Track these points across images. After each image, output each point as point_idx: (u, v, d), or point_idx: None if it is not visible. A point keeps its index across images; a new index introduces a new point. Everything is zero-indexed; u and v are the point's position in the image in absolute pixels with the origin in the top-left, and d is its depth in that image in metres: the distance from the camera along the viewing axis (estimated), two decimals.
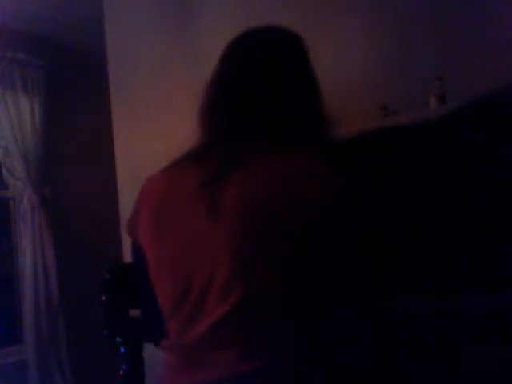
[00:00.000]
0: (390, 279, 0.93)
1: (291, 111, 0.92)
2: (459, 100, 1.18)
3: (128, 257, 2.49)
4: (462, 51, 1.63)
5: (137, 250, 0.95)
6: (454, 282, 0.90)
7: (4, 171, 3.24)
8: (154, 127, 2.49)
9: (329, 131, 0.96)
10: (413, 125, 1.15)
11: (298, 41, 1.01)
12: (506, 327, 0.85)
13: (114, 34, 2.67)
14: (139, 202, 0.95)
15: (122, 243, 2.59)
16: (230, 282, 0.79)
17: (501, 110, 1.01)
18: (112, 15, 2.69)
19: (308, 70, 0.99)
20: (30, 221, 3.23)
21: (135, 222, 0.95)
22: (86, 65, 3.66)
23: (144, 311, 1.39)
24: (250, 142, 0.88)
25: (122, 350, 1.46)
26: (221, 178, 0.82)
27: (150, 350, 1.51)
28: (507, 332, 0.85)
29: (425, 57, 1.69)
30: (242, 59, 0.98)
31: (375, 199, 0.97)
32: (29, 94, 3.30)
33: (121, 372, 1.46)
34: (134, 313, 1.49)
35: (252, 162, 0.84)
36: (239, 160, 0.84)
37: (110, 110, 2.70)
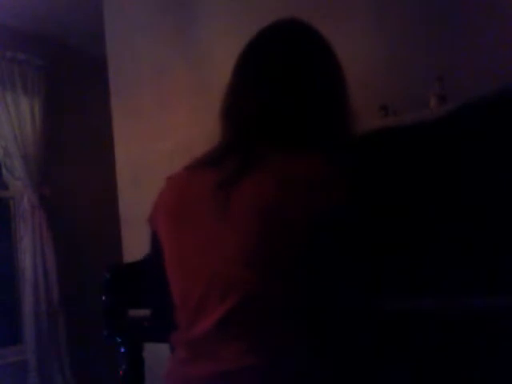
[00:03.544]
0: (391, 280, 0.93)
1: (301, 112, 0.92)
2: (459, 100, 1.18)
3: (128, 256, 2.50)
4: (462, 51, 1.63)
5: (155, 241, 0.98)
6: (455, 281, 0.90)
7: (4, 171, 3.25)
8: (154, 127, 2.49)
9: (347, 131, 0.96)
10: (413, 125, 1.15)
11: (307, 36, 0.98)
12: (506, 327, 0.85)
13: (114, 34, 2.67)
14: (160, 199, 1.00)
15: (122, 243, 2.60)
16: (234, 280, 0.82)
17: (501, 109, 1.01)
18: (112, 15, 2.69)
19: (322, 65, 0.97)
20: (30, 220, 3.24)
21: (155, 216, 1.00)
22: (85, 65, 3.66)
23: (153, 303, 1.37)
24: (263, 146, 0.90)
25: (122, 350, 1.46)
26: (233, 181, 0.86)
27: (150, 350, 1.51)
28: (507, 332, 0.85)
29: (425, 57, 1.69)
30: (249, 61, 0.99)
31: (375, 199, 0.97)
32: (29, 94, 3.30)
33: (121, 372, 1.46)
34: (134, 313, 1.49)
35: (263, 166, 0.86)
36: (251, 164, 0.87)
37: (110, 109, 2.70)
